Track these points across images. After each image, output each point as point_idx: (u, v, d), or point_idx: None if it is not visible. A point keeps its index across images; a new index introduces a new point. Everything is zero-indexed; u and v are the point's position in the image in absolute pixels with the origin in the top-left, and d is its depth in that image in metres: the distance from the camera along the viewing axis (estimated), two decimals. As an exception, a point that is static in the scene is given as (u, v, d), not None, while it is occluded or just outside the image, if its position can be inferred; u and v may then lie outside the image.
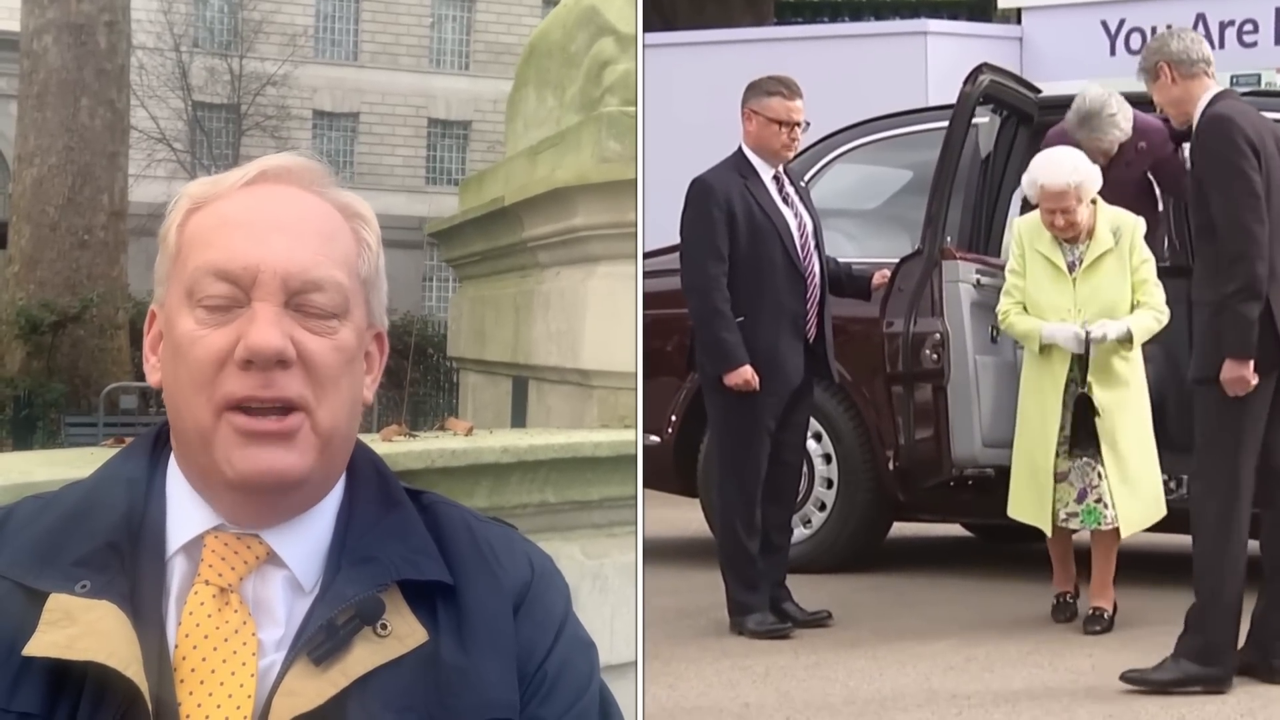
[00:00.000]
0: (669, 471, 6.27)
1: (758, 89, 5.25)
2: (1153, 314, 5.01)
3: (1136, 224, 5.07)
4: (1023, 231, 5.14)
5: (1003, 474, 5.76)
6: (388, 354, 1.53)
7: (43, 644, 1.30)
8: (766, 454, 5.11)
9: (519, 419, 6.01)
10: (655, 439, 6.22)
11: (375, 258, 1.48)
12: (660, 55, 10.71)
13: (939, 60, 10.05)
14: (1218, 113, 4.23)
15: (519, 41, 18.18)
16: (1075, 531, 5.15)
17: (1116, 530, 5.00)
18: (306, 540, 1.41)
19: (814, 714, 4.26)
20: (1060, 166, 5.02)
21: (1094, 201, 5.02)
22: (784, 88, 5.20)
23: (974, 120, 5.80)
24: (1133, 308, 5.01)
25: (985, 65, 5.91)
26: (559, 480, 2.84)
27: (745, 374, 4.99)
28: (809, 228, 5.23)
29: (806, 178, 5.81)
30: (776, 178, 5.23)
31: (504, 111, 7.59)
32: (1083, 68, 8.69)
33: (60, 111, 12.24)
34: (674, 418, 6.22)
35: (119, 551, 1.36)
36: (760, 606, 5.11)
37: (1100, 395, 4.94)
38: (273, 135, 24.61)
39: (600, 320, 5.17)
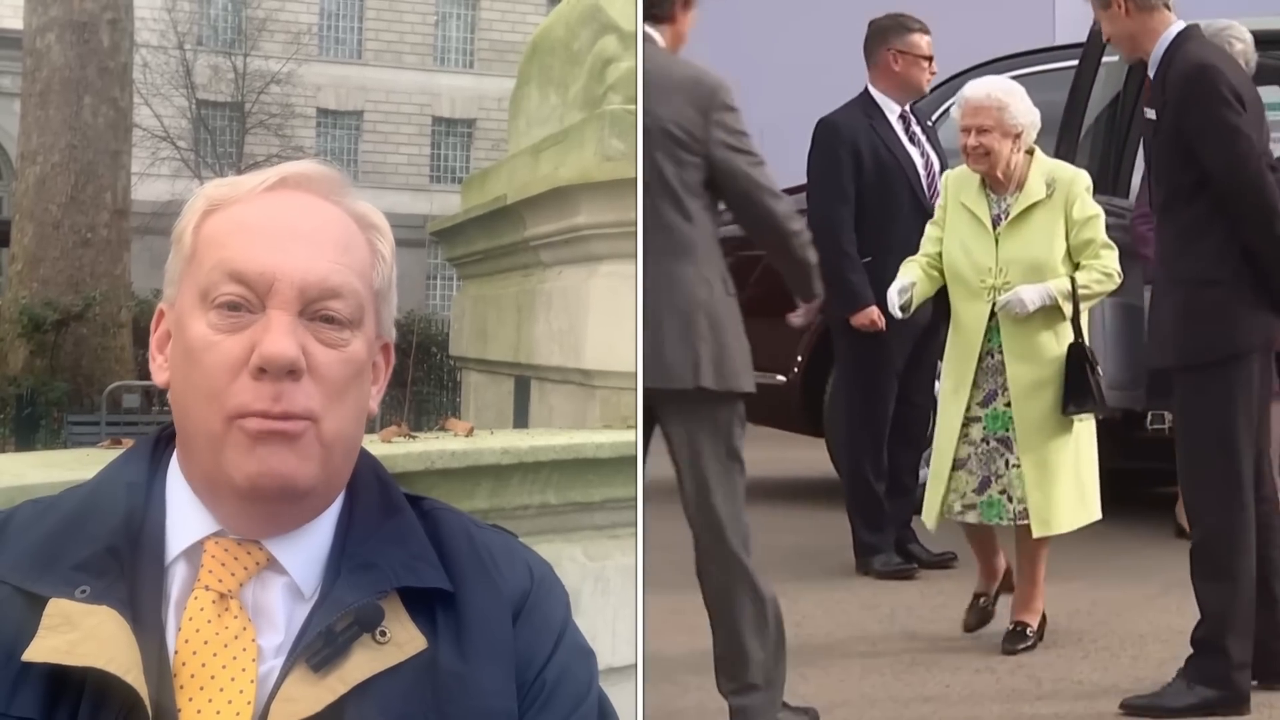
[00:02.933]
0: (795, 411, 6.42)
1: (898, 29, 5.36)
2: (1095, 275, 4.36)
3: (1076, 176, 4.43)
4: (949, 181, 4.52)
5: (1129, 417, 5.80)
6: (393, 364, 1.53)
7: (42, 649, 1.29)
8: (894, 395, 5.20)
9: (521, 419, 5.99)
10: (781, 378, 6.38)
11: (389, 270, 1.49)
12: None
13: (1067, -2, 10.04)
14: (1203, 60, 3.78)
15: (523, 39, 18.16)
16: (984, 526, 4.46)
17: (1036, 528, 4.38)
18: (306, 547, 1.41)
19: (939, 655, 4.32)
20: (989, 81, 4.50)
21: (1030, 152, 4.42)
22: (919, 23, 5.36)
23: (1103, 59, 5.72)
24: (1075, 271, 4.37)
25: None
26: (560, 481, 2.82)
27: (872, 314, 5.06)
28: (936, 167, 5.31)
29: (933, 119, 5.87)
30: (903, 116, 5.32)
31: (508, 109, 7.58)
32: (1215, 4, 8.64)
33: (63, 109, 12.24)
34: (800, 358, 6.36)
35: (119, 556, 1.36)
36: (886, 547, 5.18)
37: (1015, 372, 4.32)
38: (277, 133, 24.63)
39: (603, 319, 5.16)
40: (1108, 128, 6.11)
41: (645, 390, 3.29)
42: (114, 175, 12.46)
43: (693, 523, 3.43)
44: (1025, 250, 4.33)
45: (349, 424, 1.41)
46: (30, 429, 11.26)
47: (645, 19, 3.37)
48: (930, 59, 5.33)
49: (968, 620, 4.55)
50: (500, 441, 2.79)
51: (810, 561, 5.33)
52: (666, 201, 3.26)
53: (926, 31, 5.37)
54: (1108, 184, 6.11)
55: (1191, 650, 3.87)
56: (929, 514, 4.47)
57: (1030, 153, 4.42)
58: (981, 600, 4.56)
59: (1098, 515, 4.46)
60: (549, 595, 1.49)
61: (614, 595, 2.87)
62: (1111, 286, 4.44)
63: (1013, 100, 4.36)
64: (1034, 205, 4.35)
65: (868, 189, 5.19)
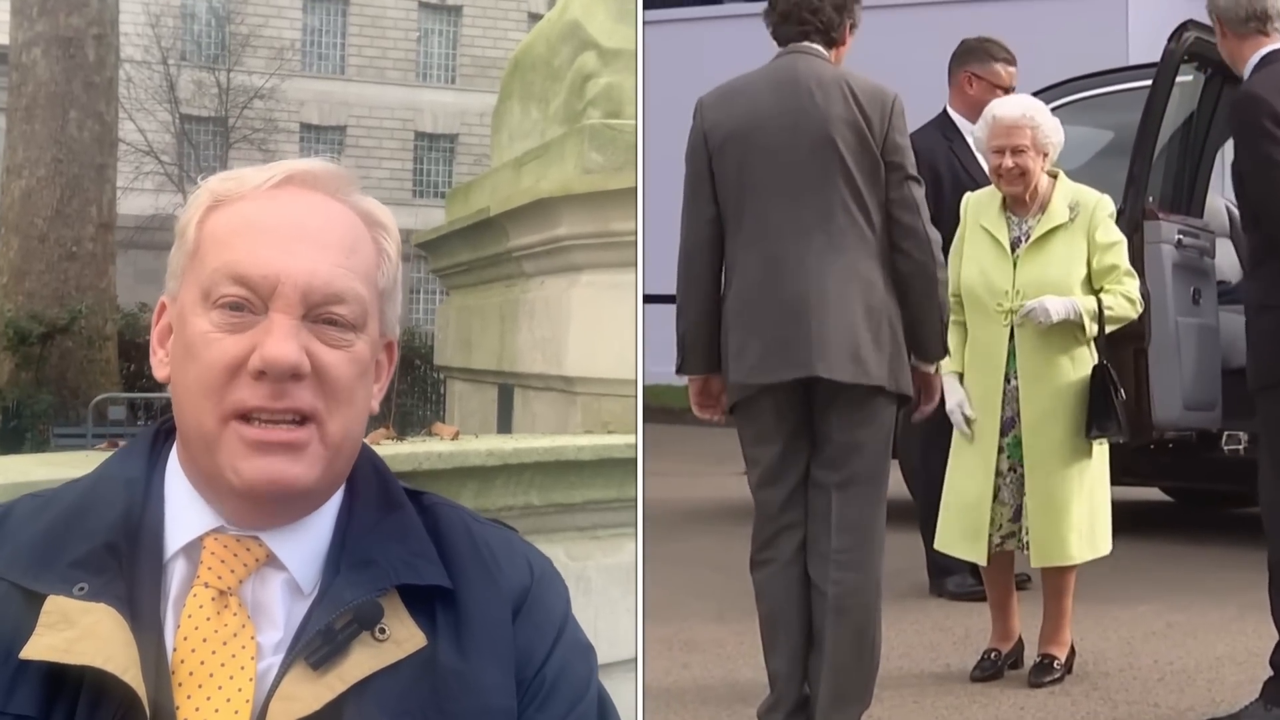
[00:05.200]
0: None
1: (982, 54, 5.33)
2: (1120, 299, 4.19)
3: (1100, 200, 4.24)
4: (970, 204, 4.37)
5: (1205, 438, 5.72)
6: (396, 362, 1.52)
7: (40, 647, 1.29)
8: None
9: (504, 426, 6.02)
10: None
11: (394, 268, 1.48)
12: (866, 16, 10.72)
13: (1140, 17, 10.00)
14: (1249, 90, 3.73)
15: (504, 56, 18.21)
16: (1009, 556, 4.30)
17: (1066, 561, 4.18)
18: (306, 542, 1.41)
19: (1013, 677, 4.28)
20: (1018, 99, 4.39)
21: (1054, 175, 4.27)
22: (1006, 53, 5.32)
23: (1177, 79, 5.66)
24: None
25: (1190, 22, 5.71)
26: (543, 483, 2.84)
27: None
28: None
29: None
30: None
31: (490, 124, 7.64)
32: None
33: (49, 124, 12.26)
34: None
35: (117, 553, 1.35)
36: (960, 569, 5.13)
37: (1029, 396, 4.17)
38: (260, 148, 24.63)
39: (584, 328, 5.20)
40: (1181, 147, 6.08)
41: (801, 384, 3.39)
42: (99, 189, 12.48)
43: (828, 520, 3.47)
44: (1043, 273, 4.17)
45: (353, 425, 1.40)
46: (16, 441, 11.22)
47: (821, 44, 3.55)
48: (1006, 90, 5.20)
49: (974, 672, 4.32)
50: (485, 444, 2.82)
51: (884, 582, 5.31)
52: (851, 200, 3.41)
53: (1012, 63, 5.27)
54: (1181, 203, 6.08)
55: (1270, 673, 3.79)
56: (977, 549, 4.23)
57: (1054, 175, 4.29)
58: (992, 655, 4.34)
59: (1106, 550, 4.24)
60: (549, 591, 1.49)
61: (595, 595, 2.90)
62: (1134, 314, 4.27)
63: (1044, 118, 4.24)
64: (1055, 229, 4.20)
65: (946, 210, 5.18)
